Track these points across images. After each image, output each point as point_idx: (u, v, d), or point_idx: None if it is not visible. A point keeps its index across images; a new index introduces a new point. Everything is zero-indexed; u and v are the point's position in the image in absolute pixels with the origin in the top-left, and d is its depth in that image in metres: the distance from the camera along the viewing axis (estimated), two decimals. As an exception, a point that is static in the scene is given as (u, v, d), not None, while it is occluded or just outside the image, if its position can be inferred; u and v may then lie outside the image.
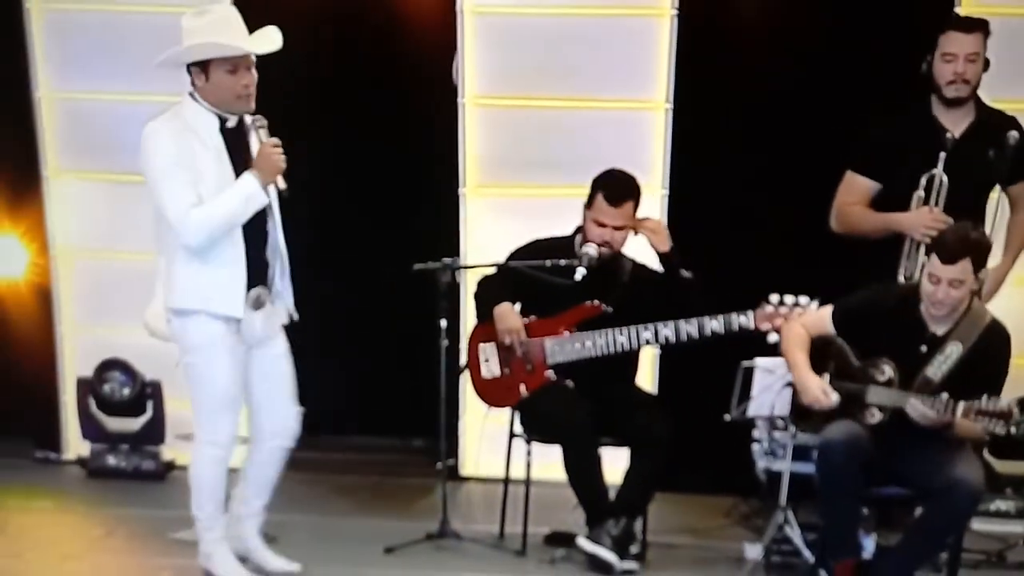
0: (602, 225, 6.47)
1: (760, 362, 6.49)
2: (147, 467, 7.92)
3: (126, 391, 7.96)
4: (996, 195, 6.59)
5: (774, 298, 6.27)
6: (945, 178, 6.42)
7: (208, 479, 5.88)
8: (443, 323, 6.63)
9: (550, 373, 6.55)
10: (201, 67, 5.68)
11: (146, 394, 7.96)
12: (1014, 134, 6.42)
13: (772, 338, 6.22)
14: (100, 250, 8.02)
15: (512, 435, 6.76)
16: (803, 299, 6.27)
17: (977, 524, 6.69)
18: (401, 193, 7.97)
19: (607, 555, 6.27)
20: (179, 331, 5.76)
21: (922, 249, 6.39)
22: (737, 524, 7.06)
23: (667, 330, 6.38)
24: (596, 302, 6.52)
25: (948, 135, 6.49)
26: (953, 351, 5.90)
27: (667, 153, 7.56)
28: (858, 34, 7.41)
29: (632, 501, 6.39)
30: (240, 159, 5.71)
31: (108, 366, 7.96)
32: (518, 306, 6.70)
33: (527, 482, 6.62)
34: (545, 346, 6.57)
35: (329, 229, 7.87)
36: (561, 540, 6.53)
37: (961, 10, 7.29)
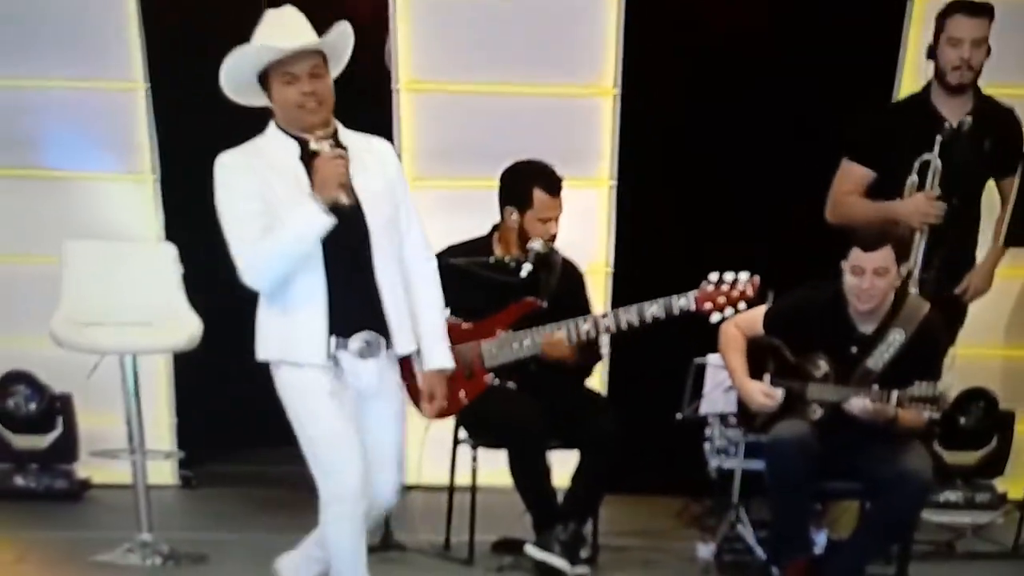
0: (547, 220, 6.58)
1: (712, 359, 6.67)
2: (60, 486, 7.83)
3: (32, 406, 7.89)
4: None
5: (713, 276, 6.36)
6: (939, 163, 6.59)
7: (341, 542, 5.32)
8: None
9: (490, 377, 6.66)
10: (263, 84, 5.24)
11: (55, 408, 7.87)
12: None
13: (715, 318, 6.34)
14: (1, 254, 7.95)
15: (456, 441, 6.87)
16: (742, 275, 6.37)
17: (927, 515, 6.97)
18: None
19: (557, 561, 6.41)
20: (276, 383, 5.32)
21: (920, 239, 6.62)
22: (689, 524, 7.24)
23: (607, 320, 6.48)
24: (531, 299, 6.62)
25: (947, 124, 6.67)
26: (895, 339, 6.15)
27: (615, 142, 7.73)
28: (809, 21, 7.63)
29: (581, 504, 6.53)
30: None
31: (11, 379, 7.88)
32: (447, 312, 6.87)
33: (473, 489, 6.72)
34: (482, 349, 6.68)
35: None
36: (509, 547, 6.66)
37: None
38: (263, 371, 7.79)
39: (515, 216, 6.66)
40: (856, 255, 6.14)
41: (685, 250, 7.15)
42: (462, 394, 6.68)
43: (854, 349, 6.20)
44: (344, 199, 5.11)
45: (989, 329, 7.52)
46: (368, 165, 5.24)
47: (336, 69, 5.32)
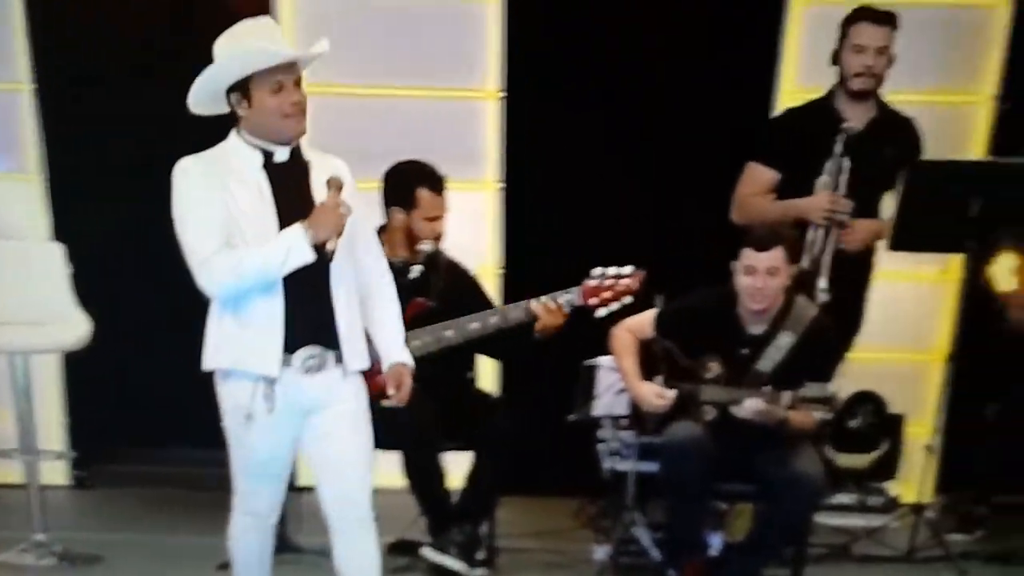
0: (433, 219, 6.66)
1: (603, 361, 6.77)
2: (-53, 487, 7.83)
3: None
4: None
5: (596, 271, 6.43)
6: (846, 162, 6.77)
7: (244, 550, 5.58)
8: None
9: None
10: (242, 92, 5.21)
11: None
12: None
13: (601, 313, 6.41)
14: None
15: None
16: (626, 269, 6.43)
17: (821, 518, 7.13)
18: None
19: (454, 563, 6.53)
20: (218, 392, 5.39)
21: (822, 234, 6.78)
22: (585, 525, 7.33)
23: (495, 318, 6.53)
24: (420, 299, 6.68)
25: (848, 125, 6.82)
26: (784, 342, 6.31)
27: (502, 144, 7.82)
28: (693, 21, 7.76)
29: (477, 506, 6.64)
30: (288, 199, 5.23)
31: None
32: None
33: None
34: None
35: (148, 234, 7.95)
36: (405, 549, 6.73)
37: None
38: (155, 371, 7.95)
39: (401, 216, 6.72)
40: (748, 255, 6.28)
41: (573, 251, 7.23)
42: None
43: (745, 351, 6.35)
44: (332, 246, 5.12)
45: (878, 333, 7.61)
46: (326, 175, 5.25)
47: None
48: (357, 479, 5.38)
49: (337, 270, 5.22)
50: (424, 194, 6.70)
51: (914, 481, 7.34)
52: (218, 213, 5.16)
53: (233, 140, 5.28)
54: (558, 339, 6.48)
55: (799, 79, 7.50)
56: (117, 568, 6.67)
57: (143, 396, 8.04)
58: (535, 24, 7.73)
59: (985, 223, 6.80)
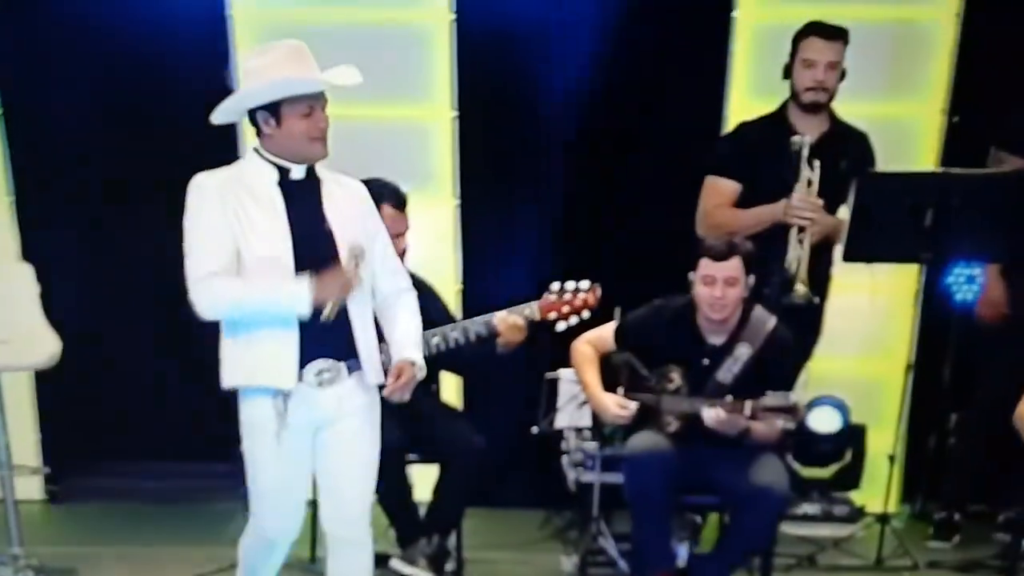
0: (397, 235, 6.63)
1: (564, 373, 6.90)
2: None
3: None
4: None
5: (555, 286, 6.51)
6: (817, 163, 6.86)
7: (247, 555, 5.60)
8: None
9: None
10: (272, 112, 5.26)
11: None
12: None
13: (560, 327, 6.49)
14: None
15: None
16: (583, 283, 6.51)
17: (786, 528, 7.23)
18: (180, 212, 8.13)
19: (423, 575, 6.60)
20: (240, 412, 5.42)
21: (796, 235, 6.88)
22: (552, 537, 7.45)
23: (455, 333, 6.57)
24: None
25: (794, 139, 6.88)
26: (742, 353, 6.40)
27: (456, 162, 7.91)
28: (643, 38, 7.86)
29: (444, 517, 6.71)
30: (301, 215, 5.28)
31: None
32: None
33: None
34: None
35: (106, 249, 8.10)
36: (375, 561, 6.83)
37: (738, 13, 7.83)
38: (126, 387, 8.08)
39: None
40: (706, 265, 6.39)
41: (531, 265, 7.40)
42: None
43: (705, 361, 6.45)
44: (330, 313, 5.17)
45: (840, 343, 7.75)
46: (339, 199, 5.34)
47: None
48: (356, 497, 5.42)
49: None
50: (388, 210, 6.75)
51: (879, 491, 7.42)
52: (224, 234, 5.23)
53: (251, 156, 5.35)
54: (519, 352, 6.57)
55: (749, 93, 7.63)
56: (103, 577, 6.83)
57: (114, 412, 8.17)
58: (485, 43, 7.82)
59: (938, 233, 6.89)
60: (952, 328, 7.68)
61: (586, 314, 6.50)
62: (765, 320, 6.51)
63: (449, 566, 6.75)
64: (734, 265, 6.38)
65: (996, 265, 7.46)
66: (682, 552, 6.65)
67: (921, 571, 7.04)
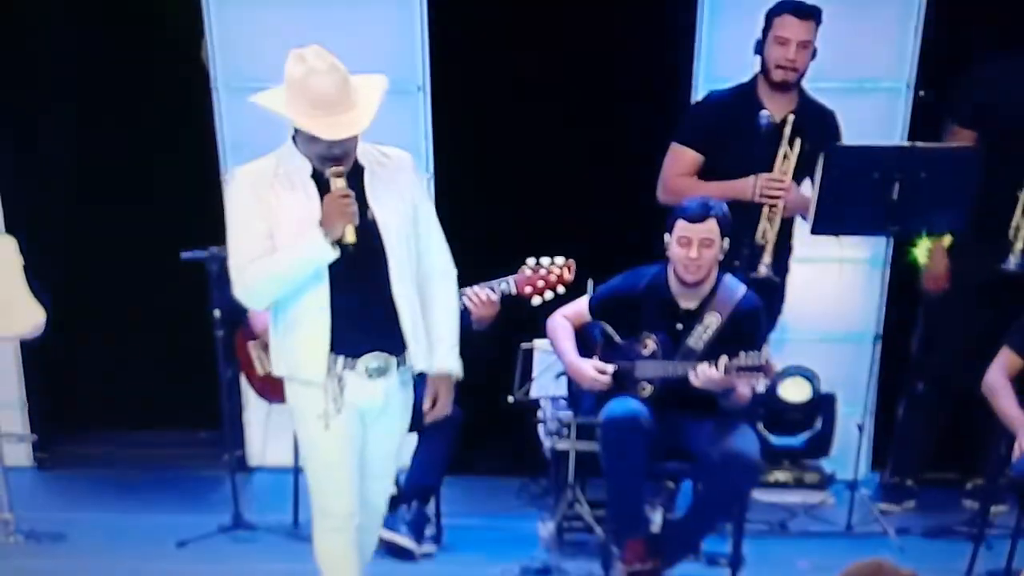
0: None
1: (539, 343, 7.11)
2: None
3: None
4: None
5: (530, 261, 6.72)
6: (794, 155, 7.09)
7: (328, 553, 5.65)
8: (217, 313, 7.15)
9: None
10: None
11: None
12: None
13: (536, 301, 6.71)
14: None
15: None
16: (558, 259, 6.74)
17: (758, 495, 7.40)
18: (160, 182, 8.25)
19: (403, 541, 6.86)
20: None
21: (768, 211, 7.10)
22: (529, 504, 7.66)
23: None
24: None
25: (763, 116, 7.08)
26: (712, 322, 6.57)
27: (428, 136, 8.01)
28: (615, 11, 7.98)
29: (423, 484, 6.97)
30: None
31: None
32: None
33: None
34: None
35: (92, 222, 8.26)
36: None
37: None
38: (113, 356, 8.29)
39: None
40: (682, 226, 6.55)
41: (506, 241, 7.52)
42: None
43: (679, 326, 6.61)
44: (350, 238, 5.27)
45: (810, 313, 7.99)
46: (383, 181, 5.43)
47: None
48: (380, 490, 5.67)
49: (397, 268, 5.39)
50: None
51: (849, 459, 7.67)
52: (259, 226, 5.34)
53: (287, 146, 5.44)
54: (495, 325, 6.81)
55: (719, 68, 7.75)
56: (80, 546, 7.02)
57: (101, 380, 8.41)
58: (457, 18, 7.92)
59: (905, 206, 7.09)
60: (919, 298, 7.84)
61: (561, 289, 6.74)
62: (735, 289, 6.68)
63: (428, 532, 6.99)
64: (710, 227, 6.53)
65: (941, 240, 7.60)
66: (656, 518, 6.87)
67: (890, 537, 7.25)
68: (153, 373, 8.43)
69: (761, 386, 6.51)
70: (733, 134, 7.21)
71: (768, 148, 7.15)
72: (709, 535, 6.80)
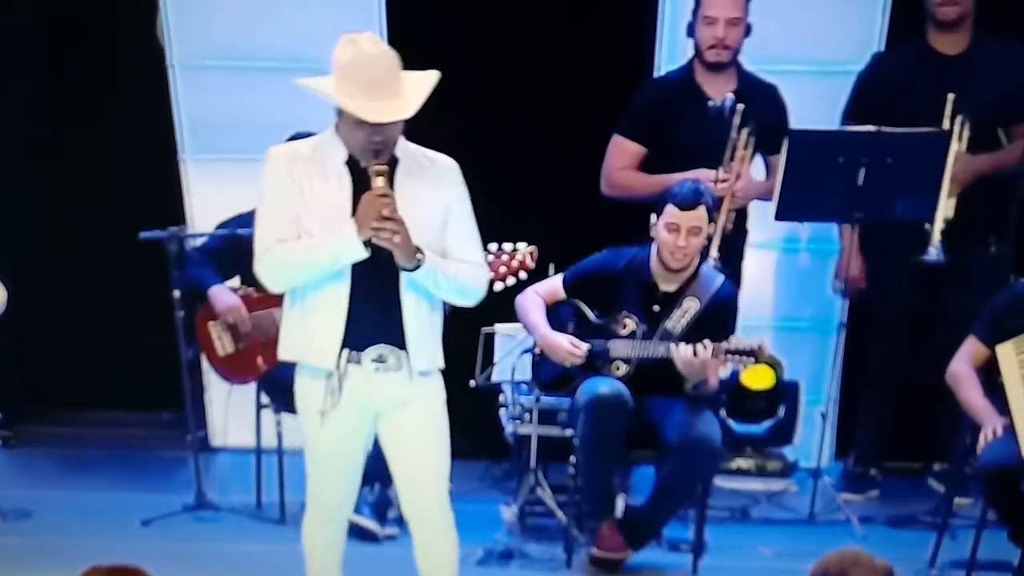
0: None
1: (500, 328, 7.23)
2: None
3: None
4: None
5: (492, 247, 6.72)
6: (743, 140, 7.17)
7: (310, 542, 5.69)
8: (176, 293, 7.25)
9: None
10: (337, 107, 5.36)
11: None
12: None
13: (497, 287, 6.72)
14: None
15: (260, 406, 7.43)
16: (520, 245, 6.77)
17: (720, 481, 7.58)
18: (120, 161, 8.38)
19: (367, 523, 6.98)
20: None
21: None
22: (492, 487, 7.78)
23: None
24: None
25: (711, 103, 7.22)
26: (690, 307, 6.69)
27: None
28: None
29: (386, 467, 7.08)
30: None
31: None
32: (237, 280, 7.34)
33: (280, 452, 7.29)
34: (275, 317, 6.98)
35: (53, 202, 8.43)
36: None
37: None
38: (77, 336, 8.39)
39: None
40: (671, 212, 6.62)
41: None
42: (260, 361, 7.27)
43: (656, 308, 6.72)
44: (384, 241, 5.22)
45: (774, 302, 8.18)
46: (413, 178, 5.38)
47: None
48: (429, 484, 5.55)
49: (408, 274, 5.32)
50: None
51: (812, 447, 7.79)
52: (290, 206, 5.33)
53: (328, 133, 5.43)
54: (455, 309, 6.94)
55: (681, 53, 7.79)
56: (47, 522, 7.16)
57: (66, 360, 8.55)
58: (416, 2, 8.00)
59: (871, 192, 7.20)
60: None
61: (523, 275, 6.80)
62: (714, 277, 6.79)
63: (392, 514, 7.08)
64: (699, 214, 6.62)
65: (852, 238, 7.63)
66: (619, 503, 6.94)
67: (854, 526, 7.38)
68: (117, 353, 8.53)
69: (744, 365, 6.60)
70: (676, 122, 7.31)
71: (715, 134, 7.23)
72: (671, 521, 6.94)
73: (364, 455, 5.59)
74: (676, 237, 6.63)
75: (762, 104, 7.35)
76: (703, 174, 7.18)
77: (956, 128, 7.38)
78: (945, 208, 7.36)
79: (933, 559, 6.90)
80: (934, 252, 7.39)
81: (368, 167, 5.28)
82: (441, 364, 5.54)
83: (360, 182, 5.32)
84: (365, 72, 5.26)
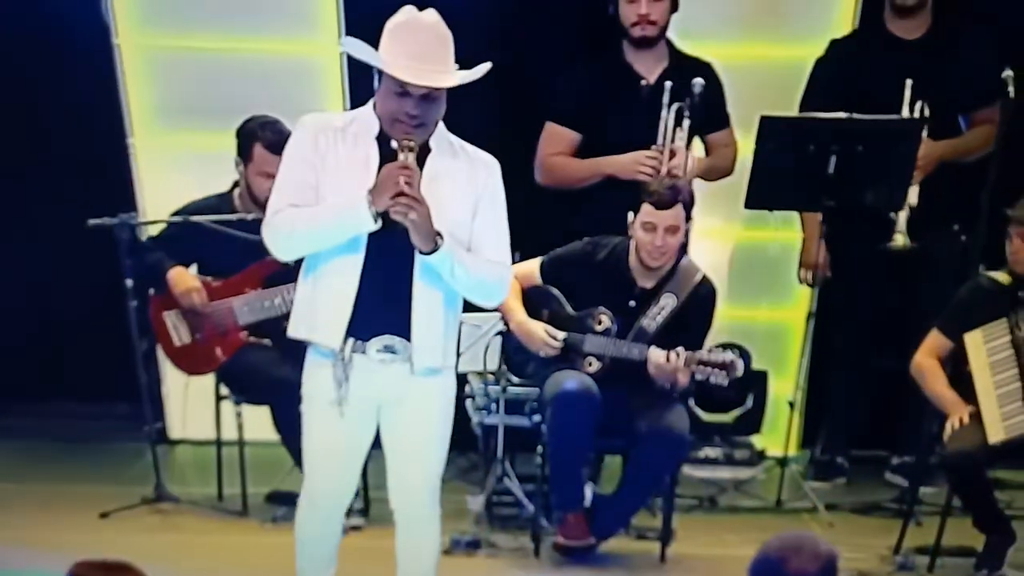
0: (268, 175, 6.59)
1: (467, 317, 7.07)
2: None
3: None
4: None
5: None
6: (672, 121, 7.17)
7: (304, 530, 5.58)
8: (129, 282, 7.20)
9: (244, 334, 7.15)
10: (378, 75, 5.27)
11: None
12: (699, 81, 7.16)
13: None
14: None
15: (219, 397, 7.41)
16: None
17: (688, 470, 7.67)
18: (66, 146, 8.35)
19: None
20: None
21: None
22: (458, 477, 7.75)
23: None
24: (272, 257, 6.84)
25: (643, 82, 7.24)
26: (668, 303, 6.71)
27: (346, 99, 8.05)
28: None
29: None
30: None
31: None
32: (193, 268, 7.30)
33: (240, 443, 7.30)
34: (233, 307, 7.15)
35: (24, 191, 8.39)
36: (282, 499, 7.10)
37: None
38: (30, 326, 8.36)
39: (240, 170, 7.15)
40: (648, 211, 6.63)
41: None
42: (218, 351, 7.25)
43: (632, 304, 6.75)
44: (399, 216, 5.11)
45: (744, 290, 8.19)
46: (444, 168, 5.27)
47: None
48: (421, 476, 5.46)
49: (424, 258, 5.22)
50: (259, 150, 7.05)
51: (779, 435, 7.90)
52: (310, 174, 5.24)
53: (365, 109, 5.35)
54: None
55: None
56: (8, 515, 7.11)
57: (23, 351, 8.47)
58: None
59: (842, 181, 7.24)
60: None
61: None
62: (693, 272, 6.82)
63: (357, 505, 6.92)
64: (676, 214, 6.63)
65: (816, 227, 7.63)
66: (587, 493, 6.97)
67: (820, 513, 7.46)
68: (72, 344, 8.54)
69: (722, 380, 6.60)
70: (608, 105, 7.30)
71: (648, 117, 7.23)
72: (639, 509, 7.00)
73: (367, 448, 5.47)
74: (653, 236, 6.65)
75: (695, 80, 7.28)
76: (639, 155, 7.19)
77: (916, 113, 7.42)
78: (910, 195, 7.42)
79: (898, 546, 6.94)
80: (900, 239, 7.44)
81: (398, 141, 5.17)
82: (452, 363, 5.43)
83: (389, 159, 5.21)
84: (413, 36, 5.20)
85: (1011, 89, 6.88)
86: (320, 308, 5.31)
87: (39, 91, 8.34)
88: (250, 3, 8.09)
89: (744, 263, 8.25)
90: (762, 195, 7.35)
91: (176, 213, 7.39)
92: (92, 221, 7.21)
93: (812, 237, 7.72)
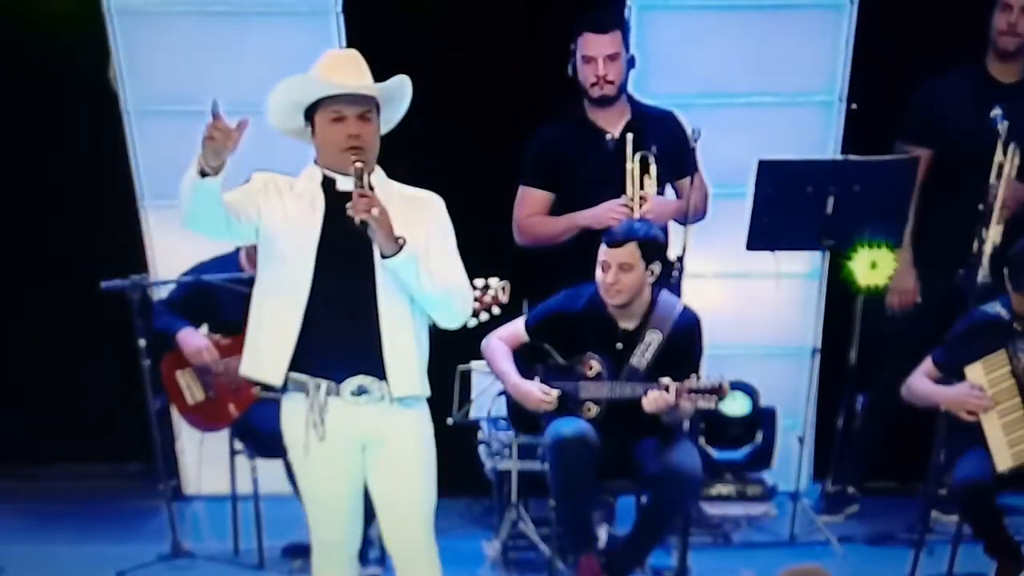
0: None
1: (476, 364, 7.41)
2: None
3: None
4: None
5: None
6: (638, 167, 7.38)
7: (315, 567, 5.71)
8: (142, 342, 7.40)
9: (257, 390, 7.11)
10: (308, 118, 5.44)
11: None
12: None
13: (471, 323, 6.68)
14: None
15: (234, 452, 7.60)
16: (493, 280, 6.86)
17: (702, 507, 7.86)
18: (79, 209, 8.53)
19: None
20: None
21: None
22: (474, 523, 7.96)
23: None
24: None
25: (608, 136, 7.44)
26: (653, 339, 6.91)
27: None
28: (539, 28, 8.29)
29: (366, 508, 7.30)
30: (340, 222, 5.30)
31: None
32: (204, 328, 7.52)
33: (255, 497, 7.47)
34: None
35: (10, 252, 8.54)
36: (299, 552, 7.21)
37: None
38: (37, 388, 8.52)
39: None
40: (602, 249, 6.87)
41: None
42: (232, 408, 7.48)
43: (619, 345, 6.94)
44: (363, 214, 5.20)
45: (749, 328, 8.37)
46: (391, 203, 5.35)
47: (388, 123, 5.55)
48: (411, 515, 5.56)
49: (385, 288, 5.35)
50: None
51: (790, 471, 8.08)
52: (251, 194, 5.38)
53: (309, 167, 5.49)
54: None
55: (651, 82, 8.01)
56: (25, 577, 7.31)
57: (26, 415, 8.64)
58: (374, 40, 7.70)
59: (840, 220, 7.50)
60: (856, 312, 8.09)
61: (496, 311, 6.93)
62: (672, 305, 7.01)
63: (373, 554, 7.21)
64: (628, 251, 6.82)
65: (907, 254, 7.95)
66: (602, 534, 7.21)
67: (833, 546, 7.66)
68: (80, 406, 8.64)
69: (712, 405, 6.80)
70: (576, 163, 7.50)
71: (616, 168, 7.44)
72: (655, 549, 7.13)
73: (360, 490, 5.58)
74: (606, 274, 6.86)
75: (659, 130, 7.53)
76: (610, 204, 7.39)
77: (1008, 155, 7.62)
78: (994, 233, 7.62)
79: (911, 575, 7.12)
80: (983, 273, 7.61)
81: (351, 166, 5.30)
82: (426, 392, 5.54)
83: (334, 205, 5.35)
84: (333, 63, 5.46)
85: None
86: (263, 341, 5.42)
87: (50, 158, 8.51)
88: (262, 76, 8.20)
89: (751, 301, 8.44)
90: (762, 237, 7.61)
91: (185, 274, 7.63)
92: (105, 283, 7.39)
93: (906, 264, 7.99)
